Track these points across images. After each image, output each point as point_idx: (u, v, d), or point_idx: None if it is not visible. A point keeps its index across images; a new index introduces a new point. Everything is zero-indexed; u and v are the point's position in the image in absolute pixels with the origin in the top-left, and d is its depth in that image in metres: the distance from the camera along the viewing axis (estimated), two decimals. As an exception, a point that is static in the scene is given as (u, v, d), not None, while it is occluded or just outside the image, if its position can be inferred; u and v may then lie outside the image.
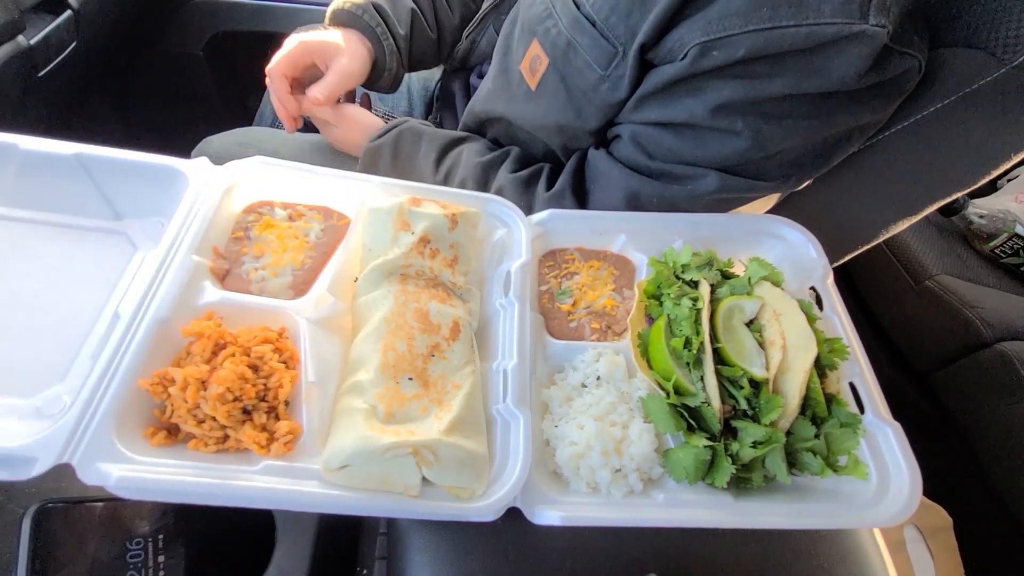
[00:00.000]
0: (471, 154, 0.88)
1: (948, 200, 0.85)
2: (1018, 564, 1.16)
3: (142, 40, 1.65)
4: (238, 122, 1.40)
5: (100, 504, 0.60)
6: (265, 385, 0.55)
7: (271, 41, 1.49)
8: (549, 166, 0.85)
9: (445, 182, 0.88)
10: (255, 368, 0.56)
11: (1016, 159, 0.79)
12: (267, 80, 0.95)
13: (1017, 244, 1.49)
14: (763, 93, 0.64)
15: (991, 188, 1.73)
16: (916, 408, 1.39)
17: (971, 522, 1.19)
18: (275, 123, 1.40)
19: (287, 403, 0.57)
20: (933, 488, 1.33)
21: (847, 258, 0.96)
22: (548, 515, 0.54)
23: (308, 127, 1.33)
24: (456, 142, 0.90)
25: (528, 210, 0.80)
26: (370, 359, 0.58)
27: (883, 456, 0.58)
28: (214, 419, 0.52)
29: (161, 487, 0.48)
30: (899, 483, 0.56)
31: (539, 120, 0.83)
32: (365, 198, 0.72)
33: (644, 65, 0.70)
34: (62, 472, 0.47)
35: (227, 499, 0.49)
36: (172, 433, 0.54)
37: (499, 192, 0.82)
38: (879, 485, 0.56)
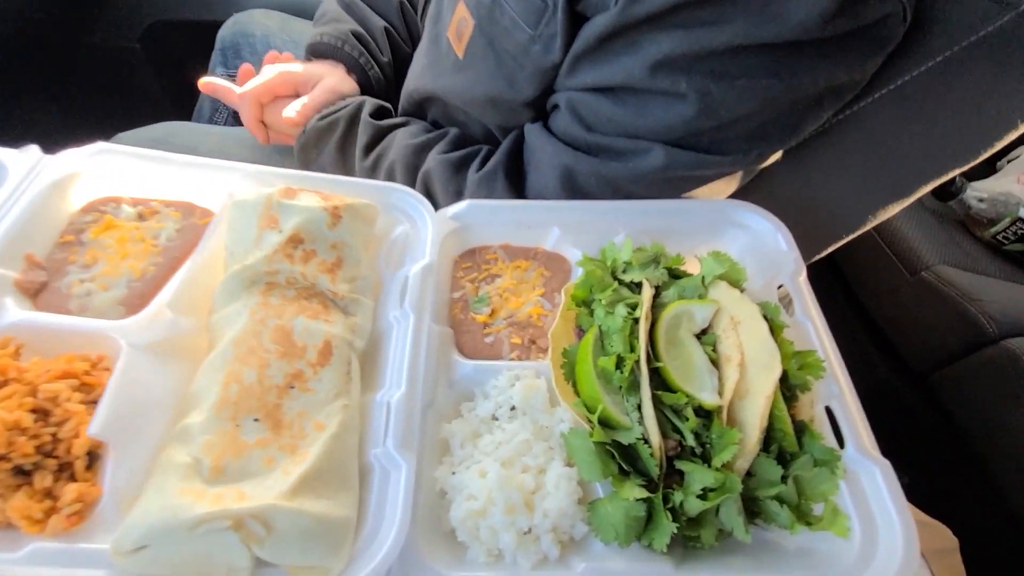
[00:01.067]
0: (404, 136, 0.75)
1: (944, 179, 0.72)
2: (1031, 585, 1.04)
3: (74, 32, 1.52)
4: (183, 117, 1.28)
5: None
6: (55, 435, 0.42)
7: (212, 31, 1.37)
8: (487, 148, 0.73)
9: (373, 170, 0.75)
10: (45, 413, 0.42)
11: (1023, 128, 0.66)
12: (239, 100, 0.86)
13: (1021, 229, 1.36)
14: (708, 45, 0.51)
15: (990, 169, 1.60)
16: (914, 413, 1.26)
17: (979, 542, 1.06)
18: (213, 118, 1.28)
19: (93, 457, 0.43)
20: (936, 505, 1.20)
21: (829, 250, 0.83)
22: (429, 598, 0.41)
23: (238, 120, 1.21)
24: (393, 127, 0.78)
25: (458, 196, 0.67)
26: (207, 395, 0.45)
27: (868, 504, 0.45)
28: (-32, 486, 0.39)
29: None
30: (890, 541, 0.43)
31: (469, 93, 0.71)
32: (233, 189, 0.58)
33: (576, 19, 0.58)
34: None
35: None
36: (-74, 504, 0.40)
37: (426, 176, 0.70)
38: (864, 543, 0.43)
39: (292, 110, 0.80)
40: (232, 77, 1.21)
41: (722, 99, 0.53)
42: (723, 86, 0.53)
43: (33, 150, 0.58)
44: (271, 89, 0.85)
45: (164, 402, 0.47)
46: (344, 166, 0.80)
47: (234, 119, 1.22)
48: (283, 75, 0.84)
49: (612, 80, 0.57)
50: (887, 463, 0.45)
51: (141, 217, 0.58)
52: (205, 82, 0.88)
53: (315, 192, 0.57)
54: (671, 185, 0.63)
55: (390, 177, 0.73)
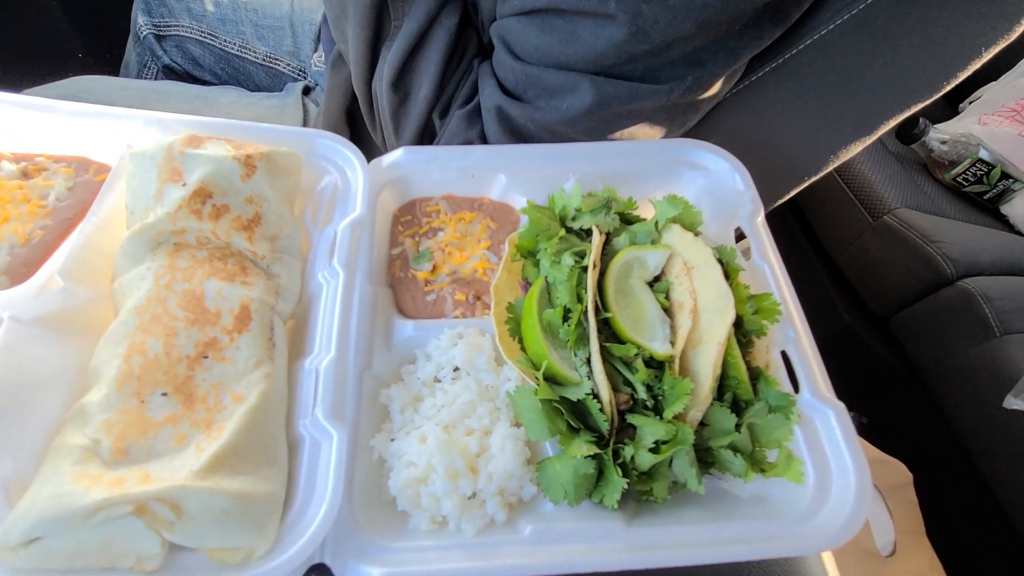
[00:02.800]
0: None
1: (908, 114, 0.69)
2: (979, 514, 1.09)
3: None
4: (108, 73, 1.16)
5: None
6: (-76, 423, 0.37)
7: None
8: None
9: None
10: (-90, 398, 0.37)
11: (987, 55, 0.63)
12: None
13: (980, 171, 1.36)
14: None
15: (953, 112, 1.59)
16: (874, 356, 1.29)
17: (931, 474, 1.11)
18: (141, 74, 1.16)
19: (-22, 444, 0.39)
20: (892, 441, 1.24)
21: (791, 194, 0.80)
22: (366, 573, 0.38)
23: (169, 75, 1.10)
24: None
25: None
26: (106, 370, 0.40)
27: (823, 448, 0.43)
28: None
29: None
30: (843, 486, 0.41)
31: None
32: (132, 140, 0.52)
33: None
34: None
35: None
36: None
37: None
38: (817, 488, 0.42)
39: None
40: (159, 27, 1.09)
41: (655, 20, 0.48)
42: (655, 5, 0.47)
43: None
44: None
45: (59, 381, 0.42)
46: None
47: (164, 74, 1.12)
48: None
49: (538, 2, 0.52)
50: (841, 406, 0.44)
51: (25, 175, 0.51)
52: None
53: (225, 140, 0.51)
54: (607, 124, 0.58)
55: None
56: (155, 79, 1.13)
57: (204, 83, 1.08)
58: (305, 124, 0.93)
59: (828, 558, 0.49)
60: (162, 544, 0.35)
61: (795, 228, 1.46)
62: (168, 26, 1.07)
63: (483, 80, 0.61)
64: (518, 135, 0.59)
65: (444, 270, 0.55)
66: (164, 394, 0.40)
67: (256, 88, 1.05)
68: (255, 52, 1.05)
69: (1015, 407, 0.99)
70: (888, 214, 1.26)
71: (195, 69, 1.07)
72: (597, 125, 0.57)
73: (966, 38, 0.62)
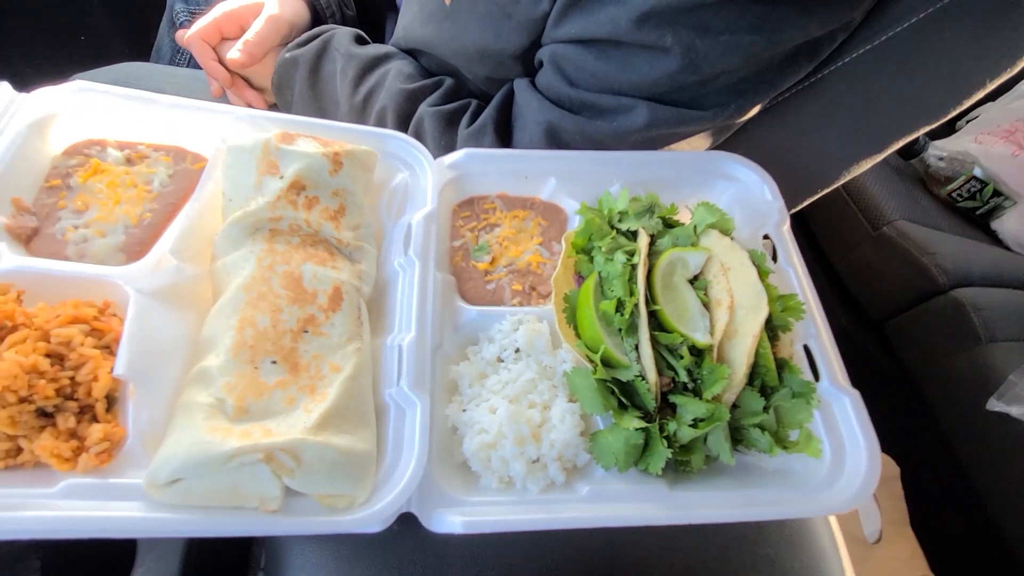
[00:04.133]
0: (397, 77, 0.73)
1: (917, 135, 0.76)
2: (960, 507, 1.17)
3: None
4: (134, 56, 1.19)
5: None
6: (72, 379, 0.42)
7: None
8: (477, 102, 0.72)
9: (364, 108, 0.73)
10: (59, 357, 0.42)
11: (991, 86, 0.70)
12: (187, 45, 0.81)
13: (974, 187, 1.44)
14: None
15: (950, 129, 1.67)
16: (869, 357, 1.37)
17: (918, 469, 1.19)
18: (174, 59, 1.20)
19: (113, 400, 0.44)
20: (882, 438, 1.32)
21: (806, 203, 0.87)
22: (449, 521, 0.44)
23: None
24: (381, 59, 0.75)
25: (448, 150, 0.67)
26: (222, 338, 0.46)
27: (839, 429, 0.50)
28: (-4, 427, 0.39)
29: (-87, 524, 0.36)
30: (856, 460, 0.48)
31: (458, 43, 0.69)
32: (226, 134, 0.57)
33: None
34: None
35: (12, 534, 0.37)
36: (-54, 446, 0.41)
37: (418, 126, 0.69)
38: (833, 463, 0.49)
39: (236, 51, 0.76)
40: (194, 15, 1.13)
41: (706, 54, 0.54)
42: (707, 40, 0.53)
43: (5, 87, 0.54)
44: (216, 27, 0.80)
45: (176, 347, 0.47)
46: (317, 106, 0.77)
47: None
48: (226, 13, 0.79)
49: (598, 32, 0.57)
50: (857, 393, 0.51)
51: (129, 161, 0.56)
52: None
53: (313, 138, 0.56)
54: (652, 142, 0.64)
55: (380, 119, 0.72)
56: (187, 65, 1.17)
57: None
58: None
59: (835, 525, 0.56)
60: (282, 488, 0.41)
61: (799, 234, 1.53)
62: (203, 13, 1.10)
63: (526, 96, 0.66)
64: (562, 148, 0.65)
65: (502, 262, 0.61)
66: (274, 362, 0.46)
67: None
68: None
69: (997, 409, 1.07)
70: (887, 225, 1.33)
71: None
72: (643, 142, 0.63)
73: (972, 70, 0.68)
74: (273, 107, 0.85)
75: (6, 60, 1.43)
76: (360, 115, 0.74)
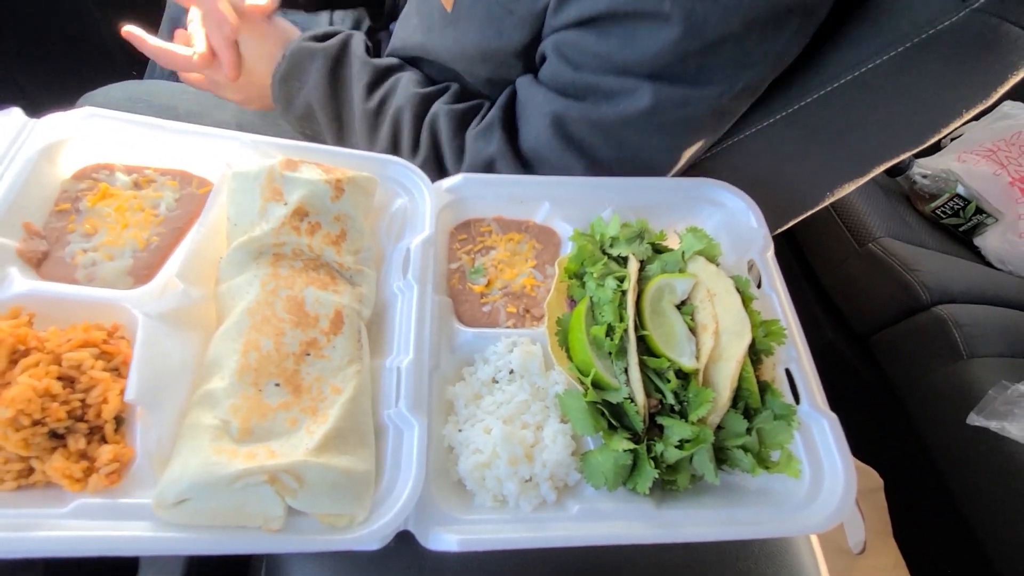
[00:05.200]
0: (409, 83, 0.74)
1: (898, 160, 0.79)
2: (941, 518, 1.20)
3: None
4: (134, 68, 1.19)
5: None
6: (83, 401, 0.44)
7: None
8: (489, 103, 0.73)
9: (378, 112, 0.73)
10: (70, 380, 0.44)
11: (967, 116, 0.73)
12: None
13: (957, 205, 1.48)
14: None
15: (935, 147, 1.71)
16: (853, 371, 1.40)
17: (900, 482, 1.22)
18: (174, 74, 1.20)
19: (121, 421, 0.46)
20: (865, 450, 1.35)
21: (790, 224, 0.90)
22: (445, 539, 0.46)
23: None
24: (393, 69, 0.77)
25: (461, 151, 0.69)
26: (227, 361, 0.48)
27: (818, 450, 0.53)
28: (4, 448, 0.41)
29: (-71, 544, 0.37)
30: (833, 482, 0.51)
31: (459, 47, 0.71)
32: (231, 159, 0.59)
33: None
34: None
35: (25, 552, 0.38)
36: (-42, 467, 0.42)
37: (433, 125, 0.70)
38: (812, 483, 0.51)
39: None
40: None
41: (706, 17, 0.54)
42: (706, 3, 0.54)
43: (16, 113, 0.56)
44: None
45: (182, 369, 0.49)
46: (334, 101, 0.76)
47: None
48: None
49: (596, 8, 0.57)
50: (835, 417, 0.53)
51: (136, 185, 0.58)
52: (128, 30, 0.78)
53: (316, 164, 0.58)
54: (663, 130, 0.64)
55: (396, 122, 0.72)
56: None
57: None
58: None
59: (815, 540, 0.59)
60: (284, 508, 0.43)
61: (786, 250, 1.57)
62: None
63: (530, 91, 0.67)
64: (571, 140, 0.65)
65: (497, 285, 0.63)
66: (277, 384, 0.48)
67: None
68: None
69: (977, 423, 1.10)
70: (873, 242, 1.37)
71: None
72: (653, 131, 0.63)
73: (950, 101, 0.71)
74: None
75: (11, 79, 1.43)
76: (373, 119, 0.74)
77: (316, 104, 0.76)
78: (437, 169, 0.72)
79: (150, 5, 1.20)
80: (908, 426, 1.26)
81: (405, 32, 0.81)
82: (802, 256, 1.58)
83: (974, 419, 1.11)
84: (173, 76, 1.15)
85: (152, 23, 1.24)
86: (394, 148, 0.74)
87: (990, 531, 1.08)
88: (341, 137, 0.78)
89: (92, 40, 1.52)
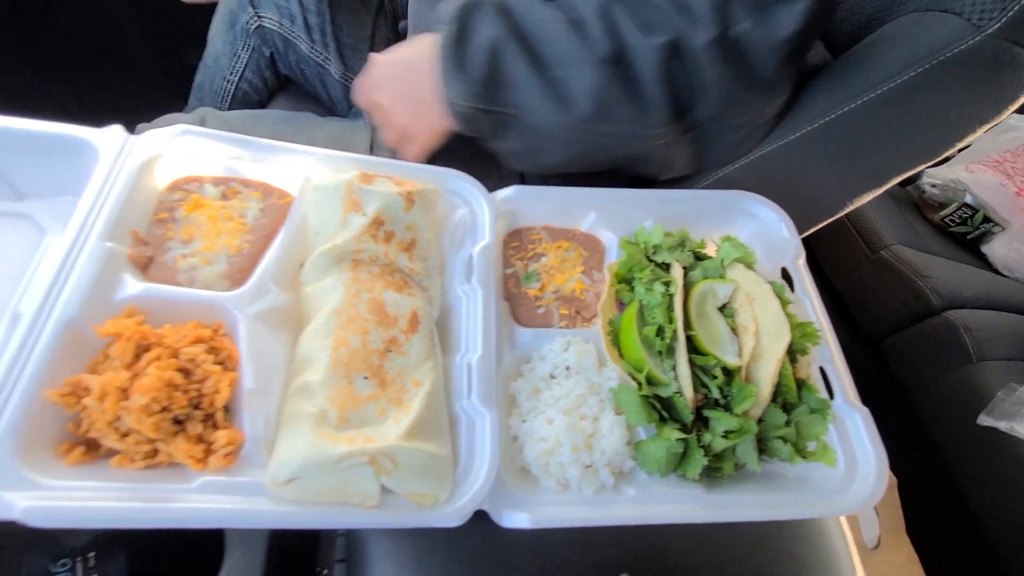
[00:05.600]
0: None
1: (914, 172, 0.85)
2: (952, 515, 1.25)
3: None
4: (177, 84, 1.22)
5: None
6: (199, 391, 0.49)
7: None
8: None
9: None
10: (186, 372, 0.49)
11: (981, 131, 0.78)
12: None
13: (966, 213, 1.53)
14: None
15: (944, 158, 1.76)
16: (865, 373, 1.45)
17: (913, 480, 1.26)
18: (223, 101, 1.21)
19: (226, 409, 0.51)
20: (880, 450, 1.40)
21: (810, 231, 0.95)
22: (517, 517, 0.51)
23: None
24: None
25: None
26: (319, 356, 0.53)
27: (851, 442, 0.58)
28: (140, 432, 0.46)
29: (80, 515, 0.42)
30: (866, 469, 0.56)
31: None
32: (309, 173, 0.64)
33: None
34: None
35: (160, 522, 0.43)
36: (91, 448, 0.47)
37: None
38: (847, 471, 0.56)
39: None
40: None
41: None
42: None
43: (117, 130, 0.61)
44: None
45: (278, 363, 0.54)
46: (521, 26, 0.62)
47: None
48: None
49: None
50: (866, 410, 0.58)
51: (224, 197, 0.63)
52: None
53: (387, 178, 0.64)
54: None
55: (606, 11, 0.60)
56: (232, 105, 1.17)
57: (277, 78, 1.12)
58: (372, 145, 1.00)
59: (846, 528, 0.64)
60: (380, 488, 0.48)
61: (802, 256, 1.62)
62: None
63: None
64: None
65: (549, 289, 0.68)
66: (365, 377, 0.53)
67: (327, 96, 1.12)
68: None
69: (987, 424, 1.15)
70: (884, 249, 1.42)
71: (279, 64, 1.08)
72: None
73: (964, 117, 0.77)
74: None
75: (60, 106, 1.45)
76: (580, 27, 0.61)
77: (502, 41, 0.61)
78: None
79: (191, 23, 1.22)
80: (919, 426, 1.31)
81: None
82: (815, 263, 1.63)
83: (984, 420, 1.16)
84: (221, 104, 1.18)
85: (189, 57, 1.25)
86: (618, 47, 0.60)
87: (999, 527, 1.13)
88: (542, 69, 0.61)
89: (133, 55, 1.55)
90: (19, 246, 0.59)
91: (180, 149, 0.63)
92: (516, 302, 0.67)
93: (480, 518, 0.52)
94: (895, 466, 1.29)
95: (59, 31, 1.49)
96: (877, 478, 0.55)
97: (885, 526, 1.20)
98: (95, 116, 0.67)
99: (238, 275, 0.58)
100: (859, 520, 1.20)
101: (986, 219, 1.52)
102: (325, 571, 0.65)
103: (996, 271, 1.52)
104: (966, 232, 1.56)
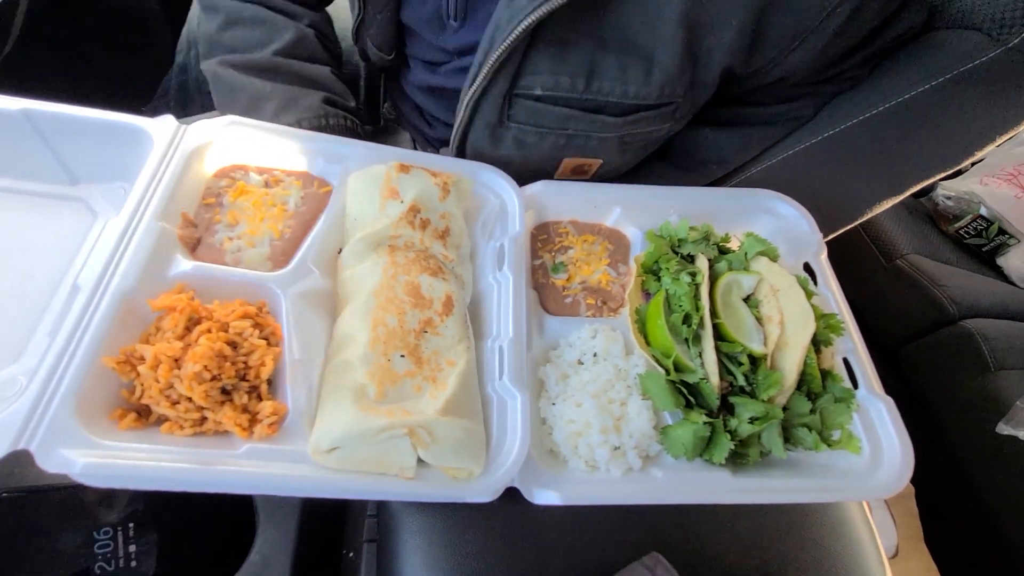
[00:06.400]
0: None
1: (933, 180, 0.86)
2: (971, 524, 1.23)
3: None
4: (137, 103, 1.24)
5: (62, 492, 0.56)
6: (245, 363, 0.51)
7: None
8: None
9: None
10: (234, 345, 0.51)
11: (1000, 141, 0.80)
12: None
13: (980, 225, 1.54)
14: None
15: (957, 171, 1.77)
16: (883, 382, 1.44)
17: (931, 489, 1.25)
18: (179, 107, 1.23)
19: (270, 382, 0.53)
20: (897, 458, 1.39)
21: (832, 236, 0.96)
22: (547, 495, 0.52)
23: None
24: None
25: None
26: (359, 335, 0.55)
27: (876, 430, 0.58)
28: (190, 400, 0.48)
29: (133, 474, 0.44)
30: (891, 456, 0.57)
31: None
32: (348, 164, 0.67)
33: None
34: (20, 459, 0.43)
35: (208, 485, 0.45)
36: (143, 415, 0.49)
37: None
38: (872, 459, 0.57)
39: None
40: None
41: None
42: None
43: (169, 119, 0.64)
44: None
45: (319, 341, 0.56)
46: None
47: None
48: None
49: None
50: (891, 400, 0.59)
51: (267, 184, 0.66)
52: None
53: (423, 168, 0.66)
54: None
55: None
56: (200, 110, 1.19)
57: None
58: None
59: (870, 517, 0.64)
60: (416, 460, 0.50)
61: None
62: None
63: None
64: None
65: (576, 280, 0.70)
66: (402, 356, 0.55)
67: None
68: None
69: (1006, 432, 1.14)
70: (900, 258, 1.42)
71: None
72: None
73: (984, 128, 0.78)
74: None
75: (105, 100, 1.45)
76: None
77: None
78: None
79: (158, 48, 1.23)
80: (937, 435, 1.31)
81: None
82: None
83: (1003, 428, 1.15)
84: (178, 108, 1.18)
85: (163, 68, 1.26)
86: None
87: (1019, 537, 1.12)
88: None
89: (167, 63, 1.59)
90: (72, 227, 0.62)
91: (228, 139, 0.66)
92: (544, 292, 0.69)
93: (511, 496, 0.53)
94: (913, 474, 1.28)
95: (98, 29, 1.53)
96: (902, 465, 0.55)
97: (903, 535, 1.19)
98: (132, 109, 0.70)
99: (281, 257, 0.60)
100: (876, 529, 1.20)
101: (1001, 231, 1.53)
102: (351, 554, 0.66)
103: (1012, 283, 1.52)
104: (981, 244, 1.56)
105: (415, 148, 1.08)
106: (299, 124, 0.79)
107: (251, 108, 0.78)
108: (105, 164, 0.64)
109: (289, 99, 0.79)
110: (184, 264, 0.56)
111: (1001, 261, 1.55)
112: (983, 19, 0.69)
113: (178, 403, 0.49)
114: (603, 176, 0.82)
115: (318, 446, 0.48)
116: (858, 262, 1.51)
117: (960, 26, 0.72)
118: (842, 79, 0.76)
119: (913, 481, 1.26)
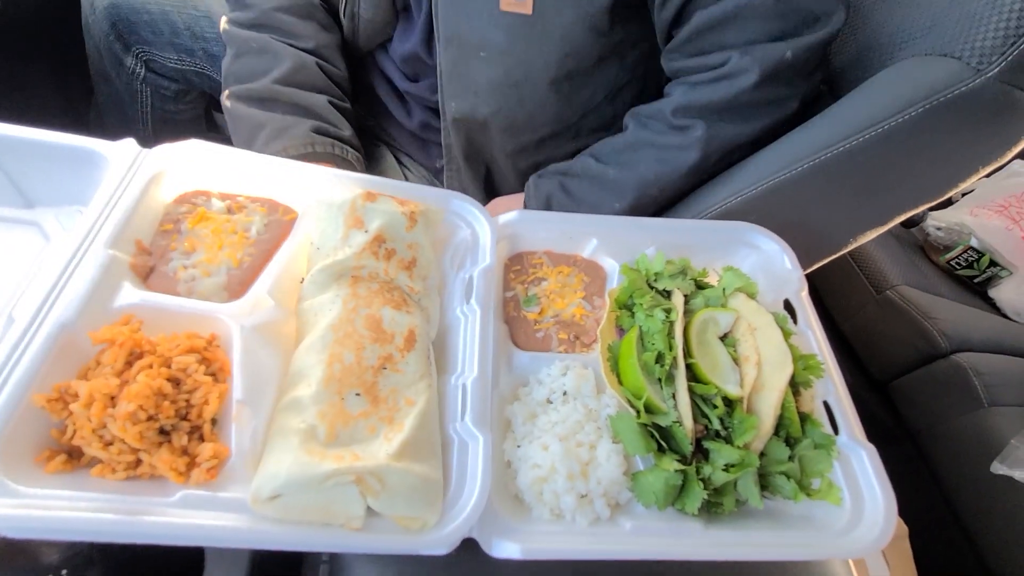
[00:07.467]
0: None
1: (917, 211, 0.85)
2: (966, 567, 1.19)
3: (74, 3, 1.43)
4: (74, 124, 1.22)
5: (-11, 536, 0.52)
6: (188, 401, 0.48)
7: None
8: None
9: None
10: (177, 382, 0.49)
11: (983, 173, 0.79)
12: None
13: (971, 257, 1.53)
14: None
15: (948, 201, 1.77)
16: (872, 416, 1.41)
17: (924, 529, 1.21)
18: (124, 127, 1.21)
19: (215, 422, 0.50)
20: (889, 496, 1.35)
21: (813, 268, 0.94)
22: (507, 547, 0.49)
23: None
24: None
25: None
26: (313, 371, 0.52)
27: (857, 480, 0.55)
28: (124, 441, 0.45)
29: (55, 525, 0.41)
30: (873, 510, 0.53)
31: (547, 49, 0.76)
32: (315, 191, 0.65)
33: None
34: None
35: (136, 536, 0.42)
36: (73, 457, 0.46)
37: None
38: (853, 511, 0.54)
39: None
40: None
41: None
42: None
43: (130, 143, 0.63)
44: None
45: (270, 377, 0.53)
46: None
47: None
48: None
49: None
50: (872, 448, 0.56)
51: (230, 211, 0.64)
52: None
53: (391, 197, 0.64)
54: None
55: None
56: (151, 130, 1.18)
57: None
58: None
59: (853, 569, 0.60)
60: (365, 509, 0.46)
61: (806, 295, 1.61)
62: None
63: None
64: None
65: (549, 313, 0.68)
66: (358, 394, 0.52)
67: None
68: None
69: (1001, 472, 1.11)
70: (890, 289, 1.41)
71: None
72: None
73: (966, 158, 0.77)
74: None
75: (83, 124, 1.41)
76: None
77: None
78: None
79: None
80: (929, 472, 1.27)
81: (456, 89, 0.84)
82: (820, 303, 1.61)
83: (997, 468, 1.12)
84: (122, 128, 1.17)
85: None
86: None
87: (1017, 583, 1.07)
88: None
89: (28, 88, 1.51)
90: (23, 253, 0.60)
91: (190, 163, 0.64)
92: (515, 325, 0.66)
93: (469, 546, 0.50)
94: (906, 514, 1.24)
95: (80, 49, 1.51)
96: (885, 520, 0.52)
97: (896, 578, 1.14)
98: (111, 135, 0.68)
99: (238, 287, 0.58)
100: (868, 571, 1.15)
101: (992, 263, 1.52)
102: (306, 600, 0.63)
103: (1005, 316, 1.50)
104: (972, 275, 1.55)
105: (399, 165, 1.07)
106: (285, 152, 0.79)
107: (250, 138, 0.81)
108: (61, 187, 0.62)
109: (280, 128, 0.81)
110: (132, 294, 0.53)
111: (993, 293, 1.54)
112: (962, 49, 0.69)
113: (111, 444, 0.46)
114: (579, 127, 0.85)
115: (259, 494, 0.45)
116: (848, 293, 1.49)
117: (937, 53, 0.72)
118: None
119: (906, 521, 1.22)
